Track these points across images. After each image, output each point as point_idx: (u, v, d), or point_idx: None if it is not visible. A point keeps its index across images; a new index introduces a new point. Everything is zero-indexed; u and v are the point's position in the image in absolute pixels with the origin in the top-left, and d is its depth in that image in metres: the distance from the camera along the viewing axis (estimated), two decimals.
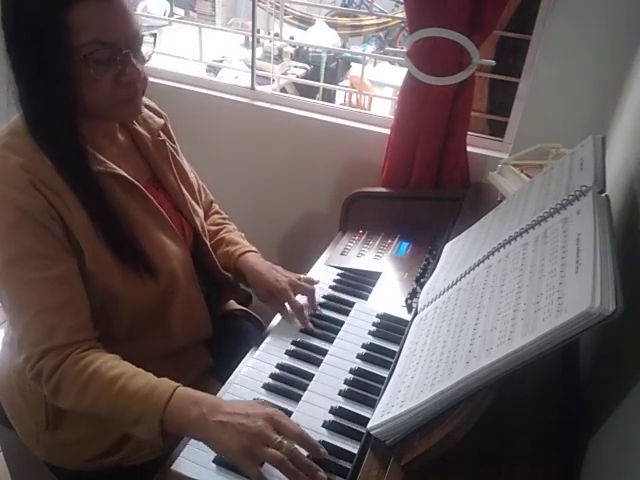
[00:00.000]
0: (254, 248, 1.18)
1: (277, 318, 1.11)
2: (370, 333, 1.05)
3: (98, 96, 0.84)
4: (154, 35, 0.92)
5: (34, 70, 0.81)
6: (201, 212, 1.11)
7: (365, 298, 1.16)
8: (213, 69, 3.63)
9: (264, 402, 0.84)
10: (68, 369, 0.82)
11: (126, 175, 0.92)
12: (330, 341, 1.04)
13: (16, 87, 0.84)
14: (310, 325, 1.06)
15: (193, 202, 1.08)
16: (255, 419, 0.75)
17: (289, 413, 0.87)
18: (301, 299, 1.10)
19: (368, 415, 0.84)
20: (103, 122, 0.94)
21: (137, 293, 0.92)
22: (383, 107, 3.43)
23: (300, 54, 3.96)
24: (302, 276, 1.15)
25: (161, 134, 1.05)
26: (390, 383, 0.84)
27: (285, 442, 0.74)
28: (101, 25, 0.80)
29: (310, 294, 1.11)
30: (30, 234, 0.82)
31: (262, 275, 1.10)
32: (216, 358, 1.12)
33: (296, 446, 0.75)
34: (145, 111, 1.03)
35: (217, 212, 1.27)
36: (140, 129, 1.02)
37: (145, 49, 0.89)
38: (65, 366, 0.82)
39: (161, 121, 1.07)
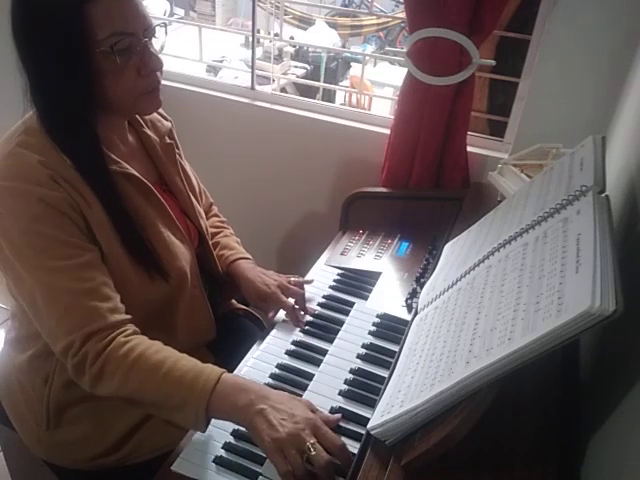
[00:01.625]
0: (248, 255, 1.19)
1: (277, 318, 1.11)
2: (370, 333, 1.06)
3: (122, 89, 0.85)
4: (164, 25, 0.93)
5: (54, 68, 0.81)
6: (203, 214, 1.12)
7: (365, 298, 1.16)
8: (213, 69, 3.63)
9: (311, 404, 0.83)
10: (113, 353, 0.82)
11: (139, 175, 0.93)
12: (330, 341, 1.04)
13: (30, 87, 0.84)
14: (302, 325, 1.06)
15: (197, 205, 1.09)
16: (297, 419, 0.76)
17: None
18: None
19: (368, 415, 0.84)
20: (123, 117, 0.95)
21: (147, 290, 0.93)
22: (383, 107, 3.43)
23: (300, 54, 3.96)
24: (293, 279, 1.15)
25: (166, 138, 1.06)
26: (390, 383, 0.84)
27: (318, 448, 0.74)
28: (120, 17, 0.81)
29: (299, 297, 1.11)
30: (55, 225, 0.83)
31: (251, 281, 1.11)
32: (217, 356, 1.12)
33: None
34: (154, 114, 1.05)
35: (216, 215, 1.28)
36: (149, 132, 1.03)
37: (155, 40, 0.90)
38: (111, 350, 0.82)
39: (168, 125, 1.09)
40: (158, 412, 0.87)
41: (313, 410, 0.81)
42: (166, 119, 1.11)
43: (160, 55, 0.89)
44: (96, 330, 0.82)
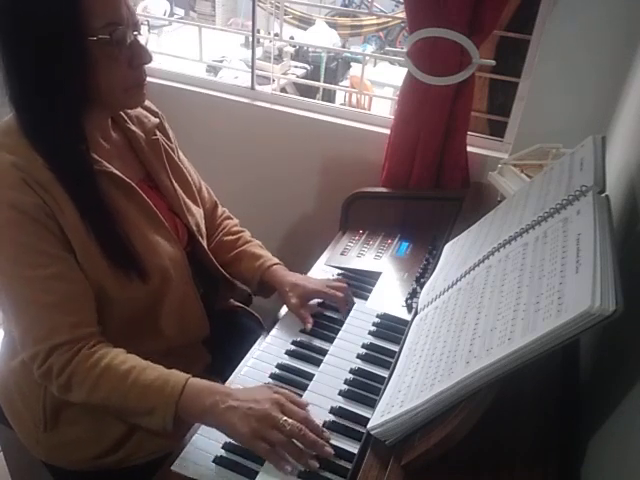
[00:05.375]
0: (277, 259, 1.18)
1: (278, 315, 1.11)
2: (370, 333, 1.05)
3: (113, 80, 0.85)
4: (147, 23, 0.94)
5: (45, 59, 0.80)
6: (197, 211, 1.10)
7: (365, 298, 1.16)
8: (213, 69, 3.63)
9: (271, 386, 0.88)
10: (80, 365, 0.83)
11: (120, 174, 0.92)
12: (330, 341, 1.04)
13: (11, 83, 0.83)
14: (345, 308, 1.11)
15: (188, 201, 1.08)
16: (263, 403, 0.80)
17: None
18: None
19: (368, 415, 0.84)
20: (107, 113, 0.95)
21: (127, 292, 0.92)
22: (383, 107, 3.43)
23: (300, 54, 3.96)
24: (331, 278, 1.17)
25: (157, 132, 1.05)
26: (390, 383, 0.84)
27: (290, 421, 0.79)
28: (114, 8, 0.82)
29: (345, 290, 1.12)
30: (27, 232, 0.82)
31: (295, 284, 1.11)
32: (215, 355, 1.12)
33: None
34: (140, 110, 1.04)
35: (229, 217, 1.26)
36: (134, 128, 1.01)
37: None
38: (77, 362, 0.83)
39: (156, 120, 1.07)
40: (126, 418, 0.90)
41: (275, 391, 0.85)
42: (155, 114, 1.09)
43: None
44: (60, 343, 0.83)
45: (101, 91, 0.86)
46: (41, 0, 0.78)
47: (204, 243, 1.11)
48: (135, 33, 0.86)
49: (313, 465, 0.77)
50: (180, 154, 1.14)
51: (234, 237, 1.21)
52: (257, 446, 0.77)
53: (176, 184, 1.05)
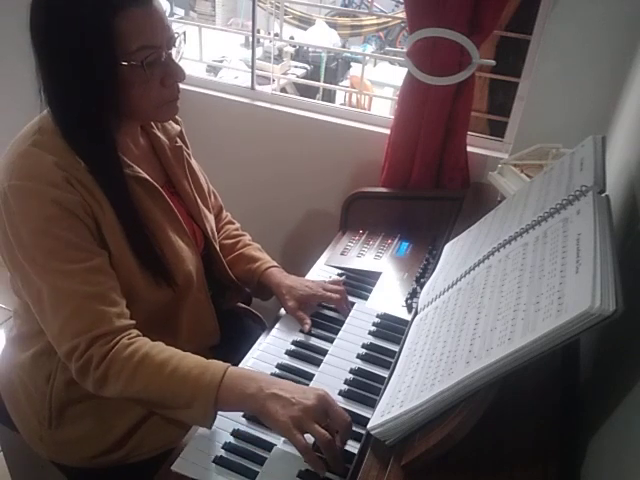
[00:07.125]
0: (275, 262, 1.18)
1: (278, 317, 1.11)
2: (370, 333, 1.06)
3: (146, 99, 0.86)
4: (184, 33, 0.93)
5: (78, 78, 0.81)
6: (211, 217, 1.12)
7: (365, 298, 1.16)
8: (213, 69, 3.62)
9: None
10: (117, 355, 0.82)
11: (150, 179, 0.94)
12: (330, 341, 1.04)
13: (48, 90, 0.85)
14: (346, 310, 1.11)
15: (204, 207, 1.09)
16: (309, 395, 0.79)
17: None
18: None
19: (368, 415, 0.84)
20: (139, 122, 0.96)
21: (152, 295, 0.93)
22: (383, 107, 3.43)
23: (300, 54, 3.96)
24: (327, 280, 1.17)
25: (178, 140, 1.07)
26: (390, 383, 0.84)
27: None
28: (148, 30, 0.82)
29: (341, 292, 1.12)
30: (67, 227, 0.83)
31: (292, 287, 1.11)
32: (217, 355, 1.12)
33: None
34: None
35: (230, 222, 1.28)
36: (159, 134, 1.03)
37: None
38: (115, 352, 0.83)
39: (178, 128, 1.09)
40: (164, 411, 0.88)
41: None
42: (176, 122, 1.11)
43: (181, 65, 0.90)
44: (102, 334, 0.83)
45: (132, 107, 0.87)
46: (76, 21, 0.79)
47: (218, 248, 1.13)
48: (169, 52, 0.86)
49: (341, 470, 0.77)
50: (193, 160, 1.15)
51: (233, 240, 1.22)
52: (295, 438, 0.76)
53: (195, 191, 1.07)
